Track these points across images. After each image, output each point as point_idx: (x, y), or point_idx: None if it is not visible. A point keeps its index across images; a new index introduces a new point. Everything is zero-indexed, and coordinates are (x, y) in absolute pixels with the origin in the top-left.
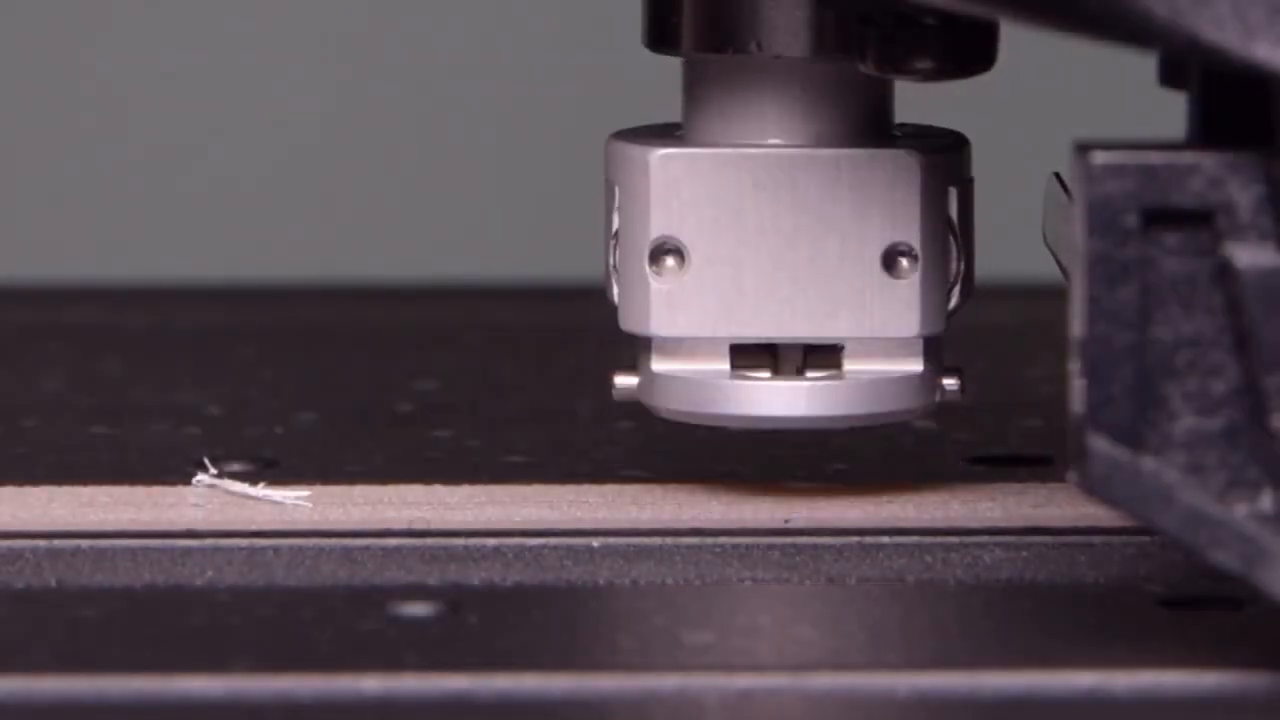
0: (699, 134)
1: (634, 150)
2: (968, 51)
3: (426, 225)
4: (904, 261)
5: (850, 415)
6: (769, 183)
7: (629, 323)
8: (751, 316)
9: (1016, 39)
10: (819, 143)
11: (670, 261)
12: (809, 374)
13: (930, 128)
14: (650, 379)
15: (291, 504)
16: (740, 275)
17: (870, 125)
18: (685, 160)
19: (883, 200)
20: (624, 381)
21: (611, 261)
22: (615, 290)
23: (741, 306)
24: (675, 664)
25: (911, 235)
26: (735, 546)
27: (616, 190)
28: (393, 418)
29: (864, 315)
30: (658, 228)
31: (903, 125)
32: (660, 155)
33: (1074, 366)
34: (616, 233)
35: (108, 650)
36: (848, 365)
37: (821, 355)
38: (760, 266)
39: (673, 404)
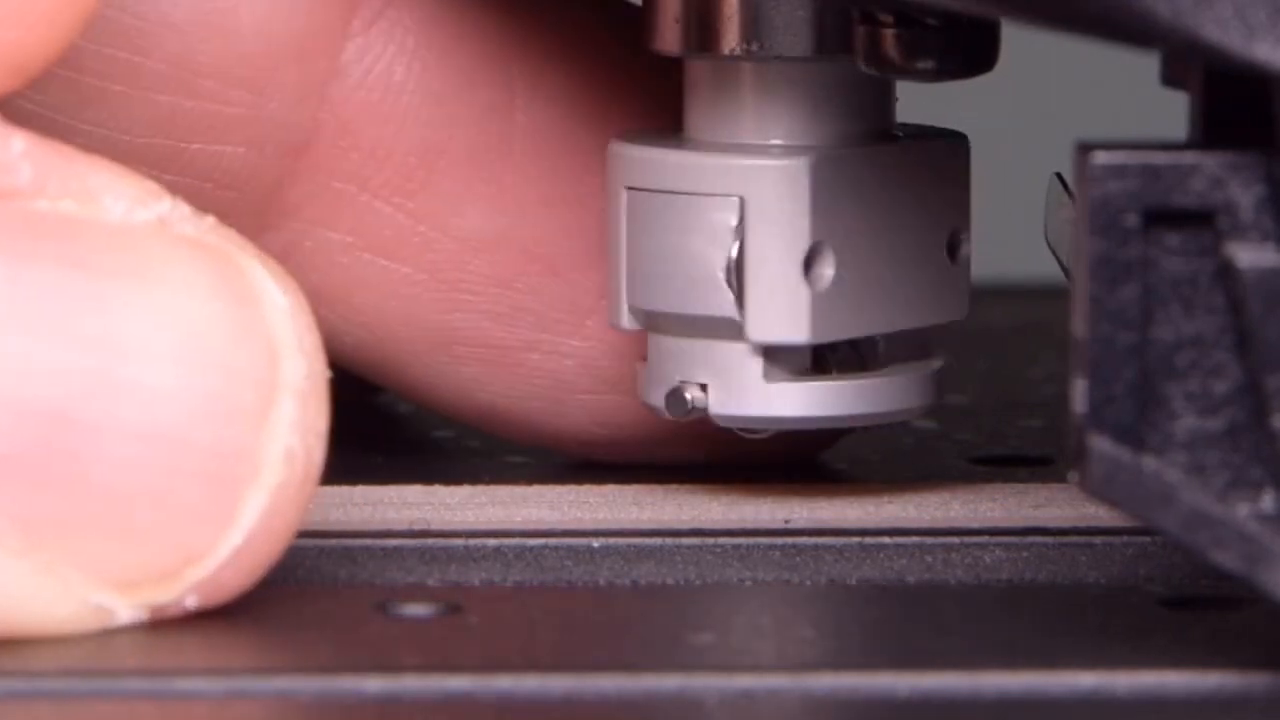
0: (719, 135)
1: (761, 160)
2: (969, 52)
3: None
4: (963, 247)
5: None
6: (874, 179)
7: (773, 333)
8: (861, 314)
9: (1017, 39)
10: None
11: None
12: (887, 368)
13: (924, 126)
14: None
15: None
16: (865, 273)
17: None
18: (833, 164)
19: (943, 186)
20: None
21: (720, 274)
22: (729, 301)
23: (861, 305)
24: (676, 664)
25: (965, 220)
26: (736, 547)
27: (723, 202)
28: (393, 418)
29: (937, 303)
30: (815, 234)
31: (903, 125)
32: (810, 162)
33: (1075, 366)
34: (741, 245)
35: (108, 650)
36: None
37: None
38: (870, 263)
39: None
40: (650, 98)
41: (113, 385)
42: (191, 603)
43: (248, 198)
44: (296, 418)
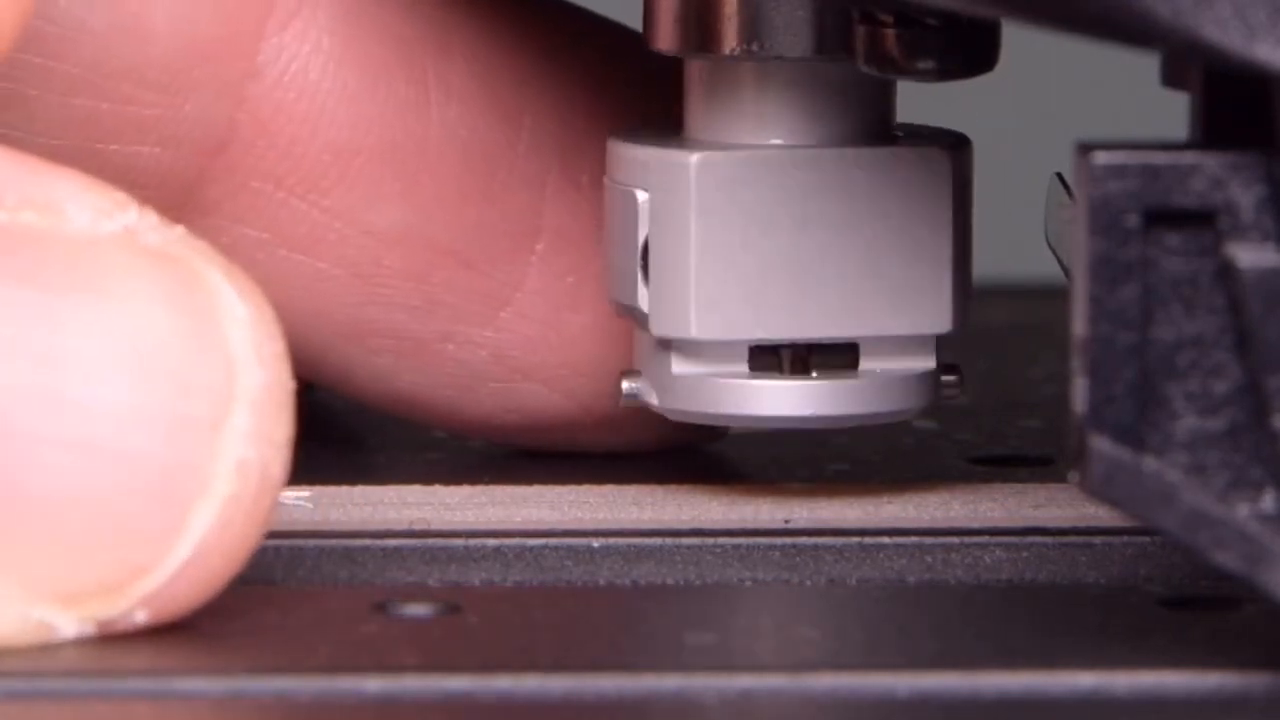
0: (719, 135)
1: (673, 154)
2: (970, 52)
3: None
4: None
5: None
6: (812, 182)
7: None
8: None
9: (1018, 39)
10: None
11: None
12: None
13: (926, 127)
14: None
15: (291, 504)
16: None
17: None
18: (729, 164)
19: (919, 196)
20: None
21: (634, 266)
22: (641, 296)
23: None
24: (676, 664)
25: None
26: (736, 547)
27: (641, 195)
28: (393, 418)
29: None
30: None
31: (902, 125)
32: (701, 159)
33: (1075, 366)
34: (646, 239)
35: (107, 650)
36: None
37: (827, 355)
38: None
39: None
40: (566, 93)
41: (55, 399)
42: (141, 617)
43: (164, 196)
44: (251, 429)
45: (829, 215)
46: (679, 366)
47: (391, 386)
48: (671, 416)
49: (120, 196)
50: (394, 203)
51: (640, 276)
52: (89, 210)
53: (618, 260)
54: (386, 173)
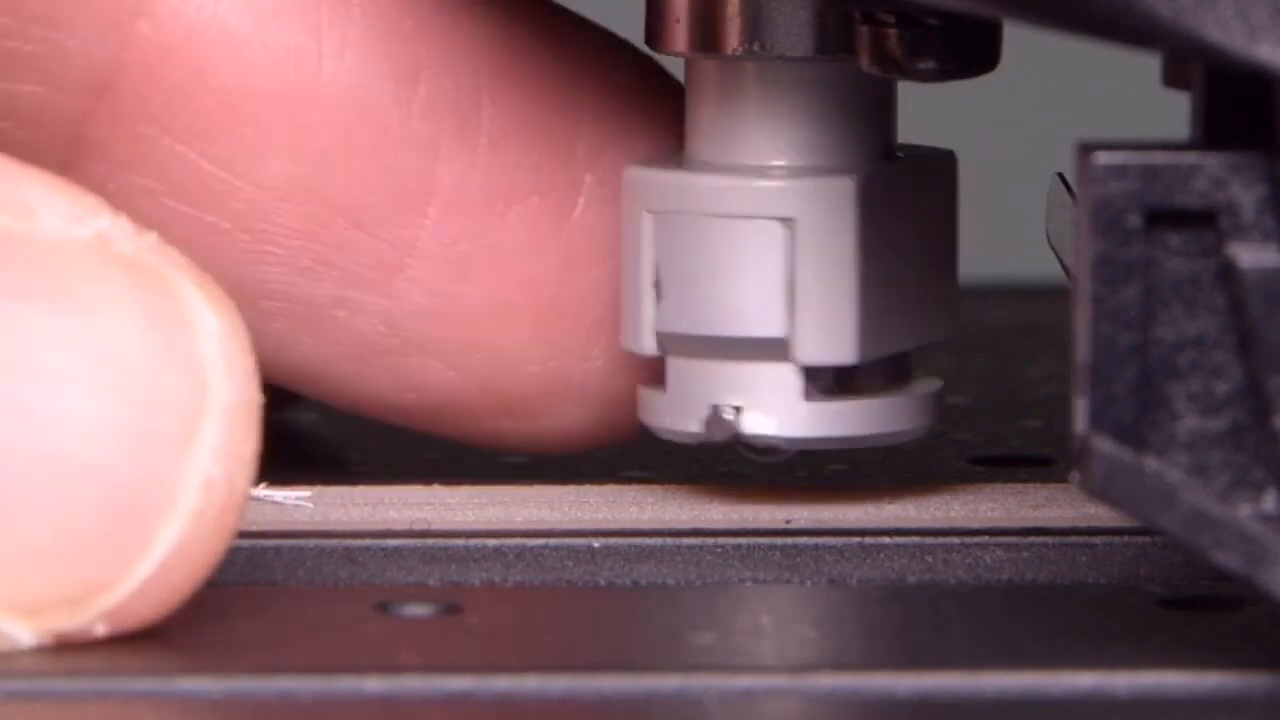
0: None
1: (808, 180)
2: (970, 51)
3: None
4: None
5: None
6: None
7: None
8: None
9: (1019, 39)
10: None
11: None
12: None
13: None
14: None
15: (291, 504)
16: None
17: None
18: (875, 182)
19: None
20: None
21: (767, 295)
22: (777, 322)
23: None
24: (676, 664)
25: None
26: (736, 547)
27: (778, 226)
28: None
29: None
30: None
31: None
32: (856, 180)
33: (1076, 367)
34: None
35: (107, 651)
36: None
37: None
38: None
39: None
40: (466, 56)
41: (22, 410)
42: (100, 630)
43: (50, 138)
44: (220, 444)
45: (899, 228)
46: (812, 395)
47: (289, 358)
48: (794, 447)
49: (92, 202)
50: (283, 155)
51: (783, 306)
52: (61, 215)
53: (740, 293)
54: (275, 122)
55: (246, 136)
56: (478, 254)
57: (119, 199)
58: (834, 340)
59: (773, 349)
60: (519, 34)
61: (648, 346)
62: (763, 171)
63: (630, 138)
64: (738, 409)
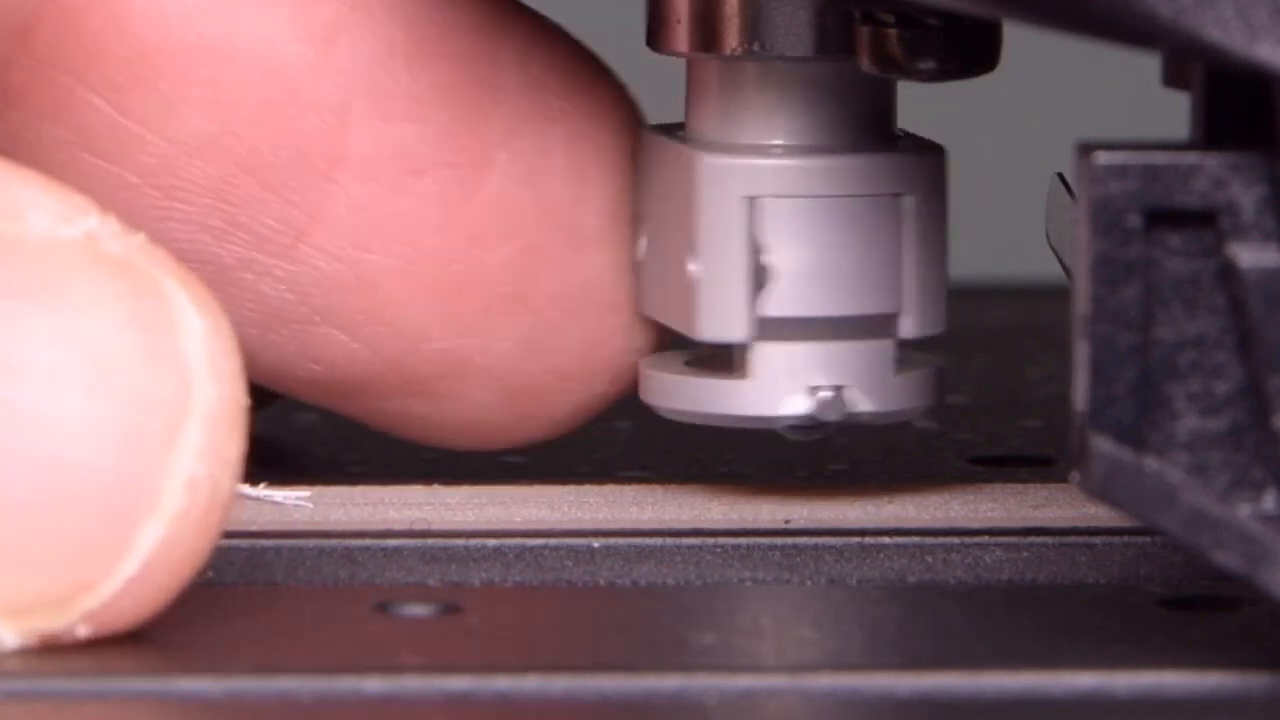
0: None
1: (916, 156)
2: (970, 51)
3: None
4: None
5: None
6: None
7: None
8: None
9: (1018, 39)
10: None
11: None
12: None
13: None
14: None
15: (291, 504)
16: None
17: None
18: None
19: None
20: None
21: (879, 272)
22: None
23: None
24: (676, 664)
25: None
26: (736, 547)
27: (904, 200)
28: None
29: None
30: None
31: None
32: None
33: (1076, 366)
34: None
35: (106, 651)
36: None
37: None
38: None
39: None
40: (384, 23)
41: (6, 408)
42: (82, 631)
43: None
44: (203, 445)
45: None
46: (892, 366)
47: None
48: (881, 421)
49: (80, 201)
50: (195, 110)
51: (895, 280)
52: (49, 215)
53: (858, 271)
54: (189, 77)
55: (160, 90)
56: (384, 222)
57: (35, 148)
58: (935, 313)
59: (879, 326)
60: (442, 7)
61: (740, 333)
62: (865, 147)
63: (550, 122)
64: (838, 388)
